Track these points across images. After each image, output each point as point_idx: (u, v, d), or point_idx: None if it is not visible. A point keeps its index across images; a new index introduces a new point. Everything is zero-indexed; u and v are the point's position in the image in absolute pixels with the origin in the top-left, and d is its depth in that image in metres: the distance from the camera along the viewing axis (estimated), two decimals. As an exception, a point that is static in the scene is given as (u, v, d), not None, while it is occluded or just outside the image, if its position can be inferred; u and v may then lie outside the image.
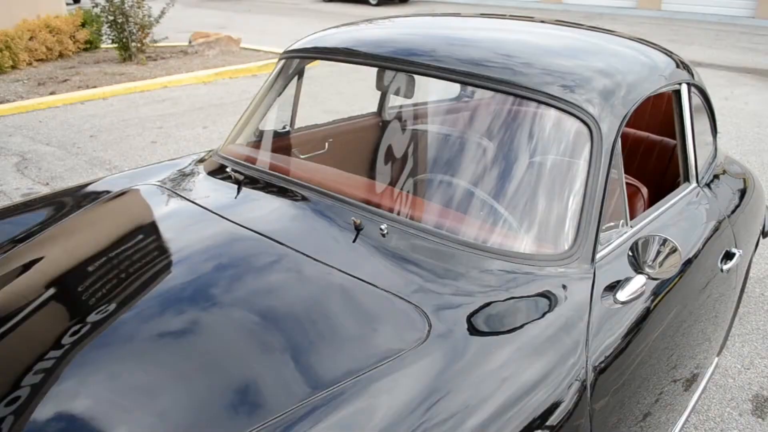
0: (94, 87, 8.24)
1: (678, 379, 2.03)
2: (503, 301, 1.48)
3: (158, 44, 10.70)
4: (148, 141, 6.18)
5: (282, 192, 1.88)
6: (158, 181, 2.09)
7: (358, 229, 1.66)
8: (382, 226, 1.64)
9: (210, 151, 2.37)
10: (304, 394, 1.20)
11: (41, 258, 1.70)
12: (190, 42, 11.36)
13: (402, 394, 1.20)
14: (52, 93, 7.92)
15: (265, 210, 1.80)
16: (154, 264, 1.58)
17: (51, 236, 1.84)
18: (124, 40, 9.79)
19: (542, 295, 1.50)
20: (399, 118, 2.87)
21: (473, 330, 1.37)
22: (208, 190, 1.96)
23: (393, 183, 1.97)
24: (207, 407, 1.17)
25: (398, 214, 1.72)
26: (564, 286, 1.53)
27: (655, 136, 3.06)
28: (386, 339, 1.33)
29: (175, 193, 1.95)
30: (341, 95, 7.72)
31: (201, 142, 6.14)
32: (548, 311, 1.46)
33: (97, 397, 1.21)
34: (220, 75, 9.27)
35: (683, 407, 2.19)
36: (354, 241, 1.63)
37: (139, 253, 1.64)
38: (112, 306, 1.43)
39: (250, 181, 1.96)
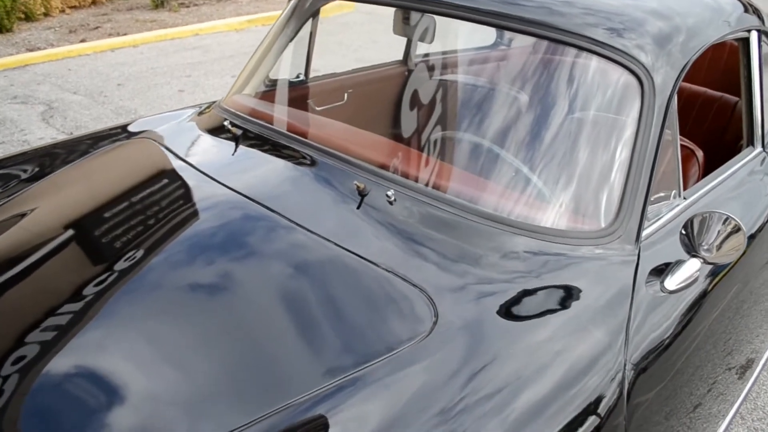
0: (125, 34, 8.09)
1: (732, 367, 1.79)
2: (525, 288, 1.25)
3: (191, -10, 10.45)
4: (176, 90, 6.02)
5: (283, 151, 1.67)
6: (151, 136, 1.89)
7: (362, 194, 1.44)
8: (389, 193, 1.42)
9: (213, 102, 2.15)
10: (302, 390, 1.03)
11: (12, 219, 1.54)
12: (224, -12, 11.07)
13: (387, 406, 1.00)
14: (82, 41, 7.80)
15: (260, 172, 1.59)
16: (120, 236, 1.40)
17: (32, 194, 1.68)
18: (156, -14, 9.58)
19: (573, 281, 1.27)
20: (426, 67, 2.61)
21: (488, 324, 1.16)
22: (202, 146, 1.76)
23: (412, 142, 1.75)
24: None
25: (411, 178, 1.49)
26: (602, 271, 1.29)
27: (714, 92, 2.72)
28: (380, 332, 1.12)
29: (168, 148, 1.75)
30: (376, 44, 7.40)
31: (229, 92, 5.96)
32: (579, 302, 1.23)
33: (111, 354, 1.11)
34: (252, 22, 9.01)
35: (735, 396, 1.96)
36: (358, 208, 1.41)
37: (109, 220, 1.46)
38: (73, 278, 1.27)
39: (249, 137, 1.75)
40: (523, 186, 1.45)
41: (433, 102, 1.99)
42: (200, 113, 2.05)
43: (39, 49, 7.41)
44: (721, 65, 2.92)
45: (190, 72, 6.63)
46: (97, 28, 8.48)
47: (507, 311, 1.18)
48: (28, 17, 8.64)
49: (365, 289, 1.22)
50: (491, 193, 1.44)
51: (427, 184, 1.47)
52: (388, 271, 1.24)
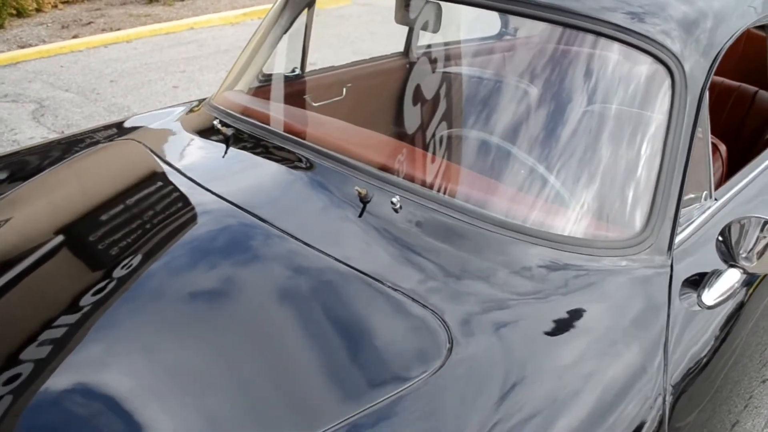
0: (118, 29, 7.93)
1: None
2: (549, 306, 1.12)
3: (186, -16, 10.26)
4: (170, 86, 5.88)
5: (278, 152, 1.53)
6: (137, 137, 1.76)
7: (363, 201, 1.31)
8: (394, 199, 1.28)
9: (203, 99, 2.02)
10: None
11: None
12: (219, -19, 10.88)
13: None
14: (75, 36, 7.65)
15: (252, 177, 1.45)
16: (91, 249, 1.27)
17: (11, 199, 1.55)
18: (150, -21, 9.40)
19: (601, 297, 1.14)
20: (429, 58, 2.47)
21: (508, 348, 1.03)
22: (189, 148, 1.63)
23: (418, 141, 1.62)
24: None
25: (418, 182, 1.35)
26: (631, 285, 1.16)
27: (731, 81, 2.58)
28: (389, 363, 0.99)
29: (153, 151, 1.62)
30: (374, 35, 7.24)
31: (224, 87, 5.81)
32: (609, 320, 1.10)
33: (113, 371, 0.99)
34: (248, 15, 8.85)
35: None
36: (360, 216, 1.28)
37: (84, 232, 1.33)
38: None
39: (241, 138, 1.61)
40: (541, 190, 1.32)
41: (438, 97, 1.86)
42: (189, 111, 1.91)
43: (30, 45, 7.25)
44: (737, 53, 2.78)
45: (185, 67, 6.48)
46: (89, 23, 8.32)
47: (529, 333, 1.05)
48: (20, 13, 8.48)
49: (370, 312, 1.09)
50: (508, 198, 1.30)
51: (436, 189, 1.33)
52: (395, 290, 1.10)
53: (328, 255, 1.17)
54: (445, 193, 1.32)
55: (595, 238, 1.23)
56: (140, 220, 1.34)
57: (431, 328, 1.03)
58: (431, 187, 1.34)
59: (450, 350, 0.99)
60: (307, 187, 1.39)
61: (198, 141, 1.67)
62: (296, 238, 1.22)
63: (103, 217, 1.37)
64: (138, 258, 1.19)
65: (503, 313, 1.08)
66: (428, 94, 1.92)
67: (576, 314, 1.11)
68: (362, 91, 2.31)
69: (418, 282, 1.13)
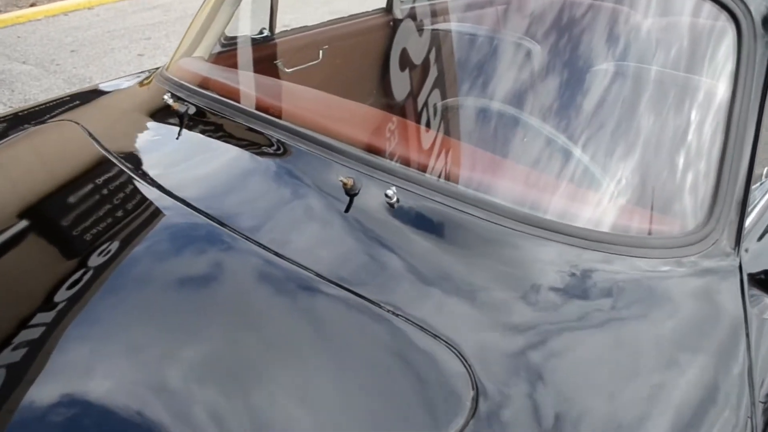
0: (79, -5, 7.46)
1: None
2: (596, 325, 0.88)
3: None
4: (135, 54, 5.51)
5: (243, 134, 1.26)
6: (75, 117, 1.48)
7: (350, 193, 1.04)
8: (389, 191, 1.01)
9: (155, 69, 1.73)
10: None
11: None
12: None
13: None
14: (32, 5, 7.18)
15: (210, 168, 1.18)
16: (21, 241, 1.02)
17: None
18: (110, -60, 8.85)
19: (657, 311, 0.90)
20: (415, 16, 2.19)
21: (550, 386, 0.79)
22: (135, 131, 1.35)
23: (407, 112, 1.35)
24: None
25: (418, 167, 1.08)
26: (697, 290, 0.93)
27: None
28: (398, 419, 0.75)
29: (92, 135, 1.34)
30: (351, -6, 6.87)
31: (193, 54, 5.46)
32: (672, 336, 0.87)
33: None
34: (217, -23, 8.38)
35: None
36: (347, 212, 1.03)
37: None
38: None
39: (199, 116, 1.33)
40: (576, 177, 1.07)
41: (427, 59, 1.59)
42: (141, 84, 1.63)
43: (-16, 15, 6.80)
44: None
45: (150, 34, 6.09)
46: (48, -11, 7.83)
47: (574, 362, 0.82)
48: (-28, -19, 7.96)
49: (361, 348, 0.83)
50: (535, 188, 1.04)
51: (443, 176, 1.06)
52: (397, 315, 0.85)
53: (306, 268, 0.92)
54: (454, 182, 1.05)
55: (646, 235, 0.98)
56: (67, 222, 1.07)
57: (448, 369, 0.78)
58: (437, 173, 1.07)
59: (475, 400, 0.75)
60: (280, 179, 1.11)
61: (146, 121, 1.39)
62: (263, 246, 0.96)
63: (23, 219, 1.10)
64: (65, 272, 0.94)
65: (540, 340, 0.84)
66: (417, 56, 1.66)
67: (630, 334, 0.87)
68: (341, 54, 2.03)
69: (425, 302, 0.88)
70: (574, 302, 0.88)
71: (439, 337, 0.81)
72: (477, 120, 1.26)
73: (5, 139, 1.48)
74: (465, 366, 0.78)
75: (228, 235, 0.98)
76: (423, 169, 1.06)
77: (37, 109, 1.68)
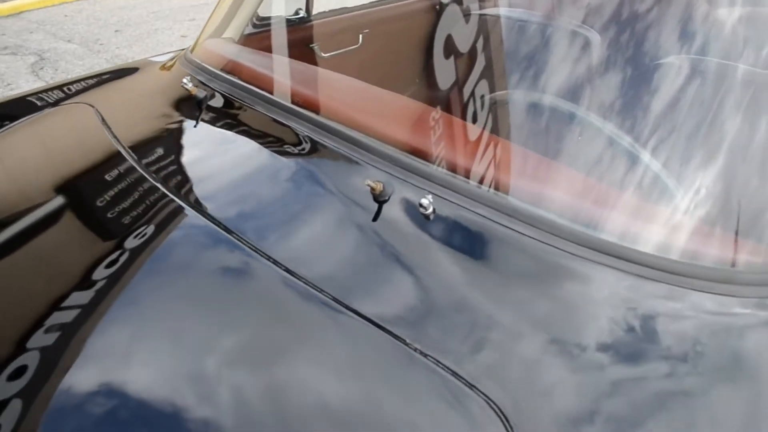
0: (127, -25, 7.47)
1: None
2: (676, 389, 0.71)
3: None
4: (178, 35, 5.47)
5: (268, 125, 1.13)
6: (91, 99, 1.37)
7: (378, 200, 0.90)
8: (424, 201, 0.86)
9: (181, 50, 1.62)
10: None
11: None
12: None
13: None
14: (81, -17, 7.21)
15: (223, 162, 1.06)
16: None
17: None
18: None
19: (750, 377, 0.72)
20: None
21: None
22: (151, 119, 1.24)
23: (450, 107, 1.21)
24: None
25: (455, 171, 0.93)
26: None
27: None
28: None
29: (105, 122, 1.23)
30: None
31: (236, 37, 5.39)
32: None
33: None
34: (264, -41, 8.31)
35: None
36: (374, 220, 0.89)
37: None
38: None
39: (220, 106, 1.21)
40: (656, 195, 0.90)
41: (475, 47, 1.44)
42: (163, 66, 1.52)
43: (34, -7, 6.86)
44: None
45: (194, 15, 6.05)
46: (97, -31, 7.87)
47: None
48: (25, -41, 8.06)
49: (382, 394, 0.70)
50: (606, 205, 0.87)
51: (492, 185, 0.90)
52: (425, 356, 0.71)
53: (321, 290, 0.78)
54: (502, 191, 0.89)
55: (729, 266, 0.81)
56: (66, 220, 0.97)
57: (483, 428, 0.64)
58: (480, 180, 0.91)
59: None
60: (298, 179, 0.98)
61: (164, 107, 1.28)
62: (272, 259, 0.83)
63: (17, 210, 1.00)
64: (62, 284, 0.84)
65: (594, 404, 0.68)
66: (462, 44, 1.51)
67: (711, 408, 0.69)
68: (382, 39, 1.90)
69: (460, 343, 0.73)
70: (658, 350, 0.71)
71: (475, 388, 0.68)
72: (527, 118, 1.11)
73: (23, 120, 1.40)
74: (505, 426, 0.64)
75: (234, 244, 0.86)
76: (465, 174, 0.91)
77: (59, 89, 1.60)
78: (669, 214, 0.90)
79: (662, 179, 0.93)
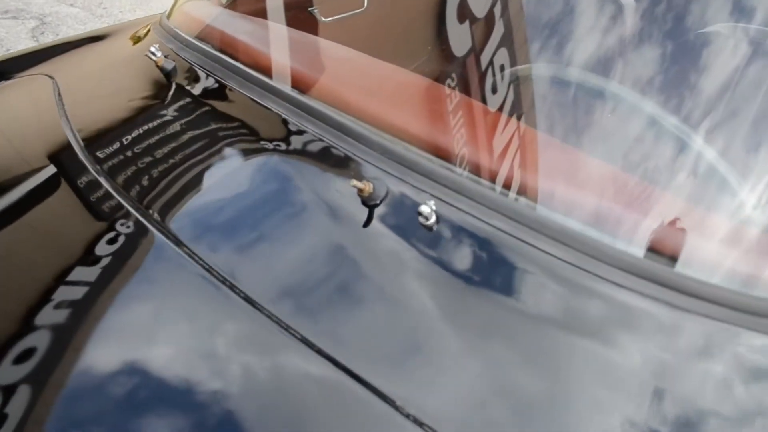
0: (134, -65, 7.22)
1: None
2: None
3: None
4: (184, -1, 5.26)
5: (241, 109, 0.93)
6: (51, 71, 1.19)
7: (367, 204, 0.71)
8: (424, 208, 0.66)
9: (158, 15, 1.42)
10: None
11: None
12: None
13: None
14: (87, -57, 6.99)
15: (181, 158, 0.86)
16: None
17: None
18: None
19: None
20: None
21: None
22: (114, 91, 1.06)
23: (462, 84, 1.01)
24: None
25: (466, 169, 0.72)
26: None
27: None
28: None
29: (60, 98, 1.04)
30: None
31: (244, 1, 5.17)
32: None
33: None
34: None
35: None
36: (365, 227, 0.70)
37: None
38: None
39: (193, 81, 1.02)
40: (702, 188, 0.72)
41: (498, 14, 1.24)
42: (135, 34, 1.33)
43: (38, -46, 6.64)
44: None
45: (202, -23, 5.83)
46: (104, -71, 7.62)
47: None
48: None
49: None
50: (659, 220, 0.68)
51: (505, 185, 0.69)
52: (420, 425, 0.54)
53: (289, 329, 0.61)
54: (533, 199, 0.68)
55: None
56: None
57: None
58: (493, 180, 0.70)
59: None
60: (270, 177, 0.79)
61: (127, 81, 1.09)
62: (253, 301, 0.64)
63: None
64: None
65: None
66: (481, 8, 1.31)
67: None
68: (389, 1, 1.69)
69: (454, 405, 0.54)
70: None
71: None
72: (554, 102, 0.90)
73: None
74: None
75: (184, 261, 0.68)
76: (477, 172, 0.70)
77: (26, 56, 1.43)
78: (731, 225, 0.71)
79: (725, 178, 0.73)
